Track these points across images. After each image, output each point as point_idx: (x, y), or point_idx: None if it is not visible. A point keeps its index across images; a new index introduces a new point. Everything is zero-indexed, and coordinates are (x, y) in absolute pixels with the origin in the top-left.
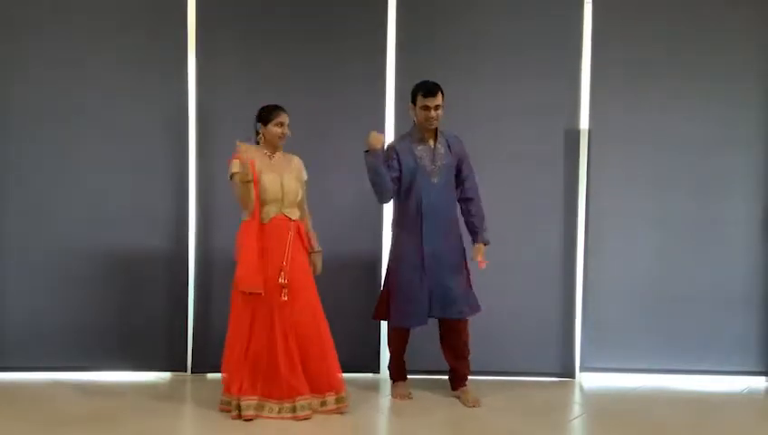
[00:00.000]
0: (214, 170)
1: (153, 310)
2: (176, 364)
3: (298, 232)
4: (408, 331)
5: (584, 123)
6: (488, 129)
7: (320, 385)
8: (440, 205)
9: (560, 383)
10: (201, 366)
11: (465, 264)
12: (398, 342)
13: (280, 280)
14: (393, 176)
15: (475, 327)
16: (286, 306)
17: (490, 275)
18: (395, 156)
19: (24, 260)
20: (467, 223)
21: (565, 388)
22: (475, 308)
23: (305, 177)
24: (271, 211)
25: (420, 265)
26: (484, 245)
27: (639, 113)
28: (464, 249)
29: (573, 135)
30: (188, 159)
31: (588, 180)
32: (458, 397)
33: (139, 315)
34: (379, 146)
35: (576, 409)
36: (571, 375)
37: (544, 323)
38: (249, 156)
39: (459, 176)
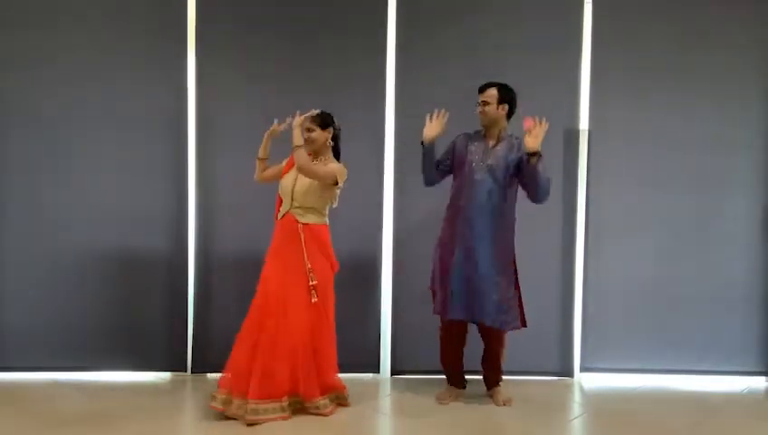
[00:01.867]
0: (214, 170)
1: (153, 310)
2: (176, 364)
3: (311, 236)
4: (454, 327)
5: (584, 123)
6: None
7: (314, 390)
8: (481, 202)
9: (559, 383)
10: (201, 366)
11: (513, 275)
12: (443, 337)
13: (310, 282)
14: (442, 168)
15: (475, 327)
16: (280, 314)
17: None
18: (452, 147)
19: (23, 260)
20: (524, 182)
21: (565, 388)
22: (511, 323)
23: (337, 181)
24: (283, 209)
25: (452, 256)
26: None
27: (639, 113)
28: (511, 259)
29: (573, 135)
30: (188, 159)
31: (588, 180)
32: (490, 396)
33: (139, 315)
34: (430, 135)
35: (576, 409)
36: (571, 375)
37: (544, 323)
38: (295, 124)
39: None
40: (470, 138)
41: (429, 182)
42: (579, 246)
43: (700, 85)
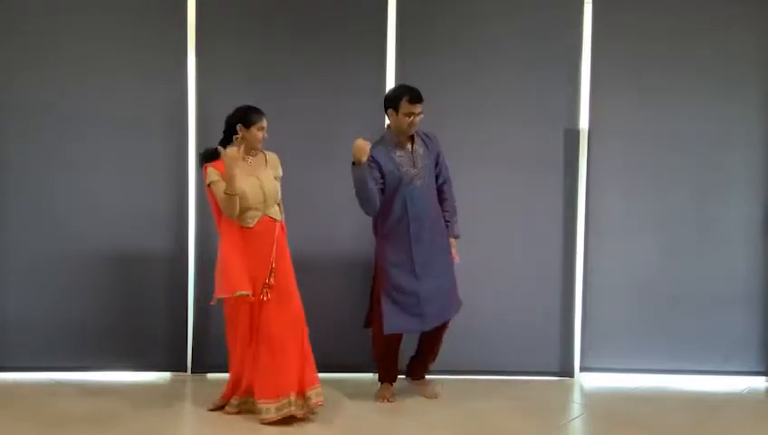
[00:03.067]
0: None
1: (153, 310)
2: (176, 364)
3: (283, 233)
4: (399, 336)
5: (584, 123)
6: (488, 129)
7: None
8: (426, 209)
9: (559, 383)
10: (201, 366)
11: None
12: (388, 345)
13: (267, 280)
14: (377, 187)
15: (475, 327)
16: (272, 309)
17: (490, 275)
18: (374, 165)
19: (23, 260)
20: (442, 215)
21: (565, 388)
22: (459, 303)
23: (280, 173)
24: (256, 215)
25: (412, 271)
26: (455, 238)
27: (639, 113)
28: (449, 253)
29: (573, 135)
30: (188, 159)
31: (588, 180)
32: (417, 387)
33: (139, 315)
34: (365, 158)
35: (576, 409)
36: (571, 375)
37: (544, 323)
38: (235, 164)
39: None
40: (386, 148)
41: (375, 209)
42: (579, 246)
43: (700, 84)
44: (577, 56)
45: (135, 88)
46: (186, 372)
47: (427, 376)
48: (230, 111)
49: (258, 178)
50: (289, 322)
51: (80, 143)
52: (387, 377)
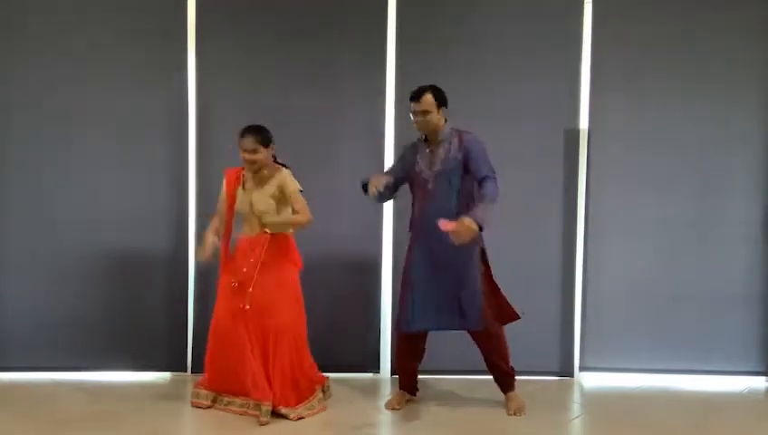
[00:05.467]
0: (214, 170)
1: (153, 310)
2: (176, 364)
3: (277, 246)
4: (411, 338)
5: (584, 123)
6: (488, 128)
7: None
8: (434, 212)
9: (559, 383)
10: (201, 366)
11: (483, 275)
12: (399, 348)
13: (245, 306)
14: (391, 181)
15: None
16: (264, 316)
17: None
18: (402, 160)
19: (24, 260)
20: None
21: (564, 387)
22: (474, 322)
23: (291, 187)
24: (253, 226)
25: (419, 271)
26: (470, 219)
27: (639, 113)
28: (476, 260)
29: (573, 135)
30: (188, 158)
31: (587, 180)
32: (504, 403)
33: (140, 316)
34: (372, 189)
35: (576, 408)
36: (571, 375)
37: (544, 323)
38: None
39: (468, 171)
40: (417, 146)
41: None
42: (579, 247)
43: (700, 85)
44: (577, 56)
45: (135, 88)
46: (186, 372)
47: (510, 392)
48: (230, 110)
49: (249, 194)
50: (259, 333)
51: (80, 143)
52: (400, 383)
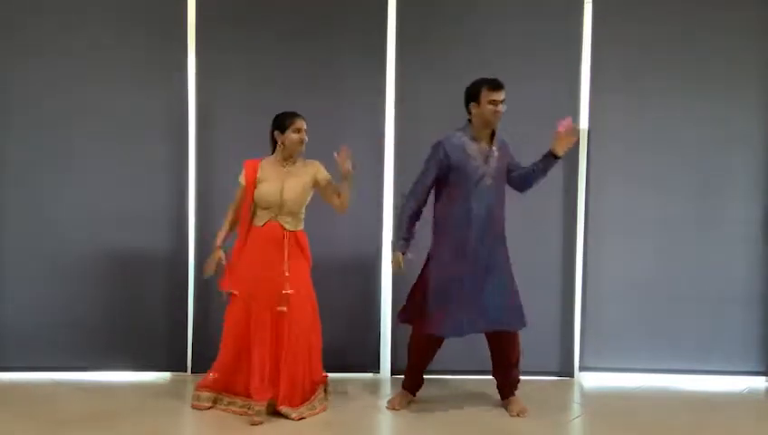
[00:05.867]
0: (214, 170)
1: (153, 310)
2: (176, 364)
3: (296, 243)
4: (438, 340)
5: (584, 123)
6: None
7: (303, 394)
8: (492, 210)
9: (559, 383)
10: (201, 366)
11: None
12: (424, 351)
13: (284, 291)
14: (432, 178)
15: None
16: (284, 316)
17: None
18: (443, 154)
19: (23, 260)
20: (533, 170)
21: (564, 387)
22: (521, 320)
23: (325, 175)
24: (265, 216)
25: (469, 273)
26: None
27: (639, 113)
28: (509, 257)
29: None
30: (188, 159)
31: (587, 180)
32: (505, 407)
33: (140, 316)
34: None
35: (576, 408)
36: (571, 375)
37: (544, 323)
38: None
39: (510, 171)
40: (462, 139)
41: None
42: (579, 246)
43: (700, 85)
44: (577, 56)
45: (135, 88)
46: (186, 372)
47: (511, 396)
48: (230, 110)
49: (281, 183)
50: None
51: (80, 143)
52: (407, 384)
